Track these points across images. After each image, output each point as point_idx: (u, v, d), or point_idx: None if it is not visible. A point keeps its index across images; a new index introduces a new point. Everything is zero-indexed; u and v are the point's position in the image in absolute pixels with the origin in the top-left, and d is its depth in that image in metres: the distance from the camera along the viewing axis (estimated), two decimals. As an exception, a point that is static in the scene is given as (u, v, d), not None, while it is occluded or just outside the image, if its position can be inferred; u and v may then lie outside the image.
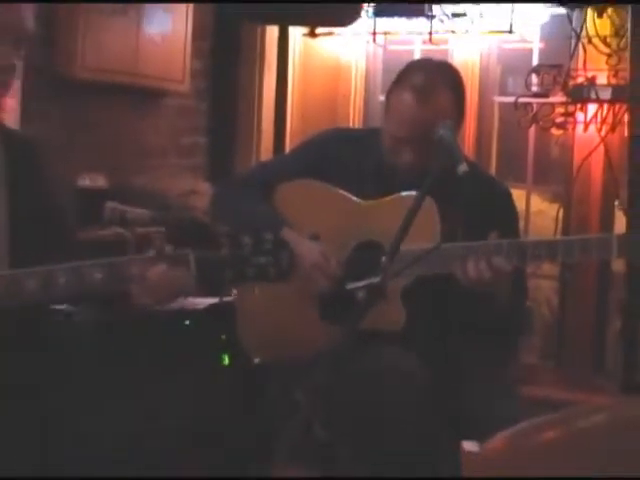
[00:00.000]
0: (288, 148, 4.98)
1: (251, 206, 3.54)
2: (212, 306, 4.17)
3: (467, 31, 5.67)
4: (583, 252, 3.28)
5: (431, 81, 3.44)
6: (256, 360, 3.65)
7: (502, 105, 5.85)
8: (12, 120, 4.64)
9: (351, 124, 6.15)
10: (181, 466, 3.74)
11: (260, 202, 3.54)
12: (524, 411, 3.18)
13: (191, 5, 5.83)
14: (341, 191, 3.54)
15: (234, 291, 3.79)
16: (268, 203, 3.54)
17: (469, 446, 1.39)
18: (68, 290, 2.65)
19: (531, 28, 5.70)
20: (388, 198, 3.45)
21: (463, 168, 3.11)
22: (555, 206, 5.68)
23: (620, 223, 5.16)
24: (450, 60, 5.49)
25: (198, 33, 5.98)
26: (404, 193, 3.38)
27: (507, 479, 1.42)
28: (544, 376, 5.61)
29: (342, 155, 3.61)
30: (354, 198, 3.53)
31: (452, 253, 3.21)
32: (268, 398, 3.86)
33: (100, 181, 5.22)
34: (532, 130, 5.66)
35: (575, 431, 1.51)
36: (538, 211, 5.75)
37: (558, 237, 4.67)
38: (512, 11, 5.54)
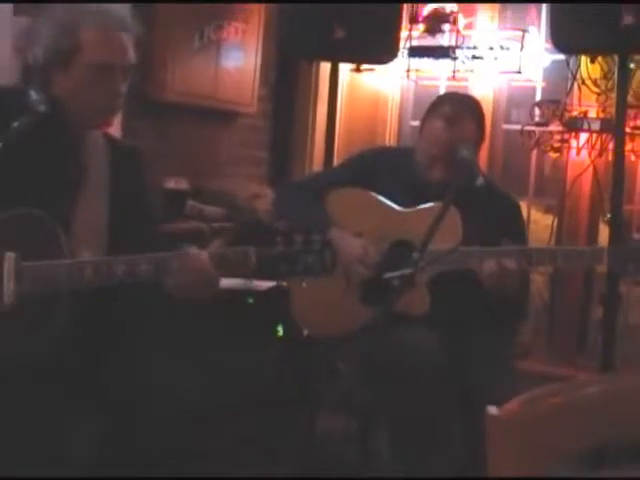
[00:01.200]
0: (335, 161, 4.95)
1: (305, 207, 3.53)
2: (271, 287, 4.17)
3: (484, 71, 5.65)
4: (579, 260, 3.34)
5: (457, 111, 3.45)
6: (305, 332, 3.65)
7: (509, 132, 5.82)
8: (114, 132, 4.65)
9: (387, 143, 6.13)
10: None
11: (313, 204, 3.53)
12: (519, 382, 3.19)
13: (260, 43, 5.83)
14: (381, 198, 3.53)
15: (284, 283, 3.78)
16: (319, 206, 3.53)
17: (490, 410, 1.40)
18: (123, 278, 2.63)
19: (536, 70, 5.67)
20: (420, 207, 3.45)
21: (480, 181, 3.15)
22: (548, 216, 5.68)
23: (604, 233, 5.14)
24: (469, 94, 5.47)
25: (265, 66, 5.98)
26: (432, 204, 3.37)
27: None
28: (535, 353, 5.58)
29: (383, 168, 3.60)
30: (392, 205, 3.52)
31: (470, 254, 3.21)
32: (314, 364, 3.87)
33: (183, 184, 5.22)
34: (534, 153, 5.63)
35: (576, 398, 1.53)
36: (534, 220, 5.72)
37: (559, 247, 4.65)
38: (521, 57, 5.54)
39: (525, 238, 3.63)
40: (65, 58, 2.70)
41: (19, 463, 2.52)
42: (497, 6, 5.86)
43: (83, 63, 2.70)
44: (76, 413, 2.67)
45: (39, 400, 2.56)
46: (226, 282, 4.03)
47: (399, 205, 3.51)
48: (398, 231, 3.44)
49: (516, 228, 3.54)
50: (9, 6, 4.54)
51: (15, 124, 2.54)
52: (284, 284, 3.85)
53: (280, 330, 4.25)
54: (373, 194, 3.55)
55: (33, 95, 2.64)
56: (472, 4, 5.88)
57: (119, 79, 2.76)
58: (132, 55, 2.78)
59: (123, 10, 2.79)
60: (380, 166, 3.62)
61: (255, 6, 5.81)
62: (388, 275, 3.02)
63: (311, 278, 3.27)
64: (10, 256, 2.53)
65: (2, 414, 2.51)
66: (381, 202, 3.53)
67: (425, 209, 3.40)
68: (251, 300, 4.21)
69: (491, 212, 3.38)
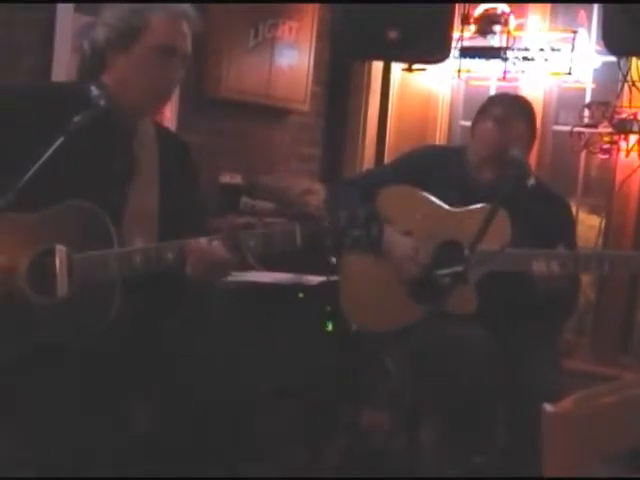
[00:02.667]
0: (386, 160, 4.95)
1: (357, 203, 3.50)
2: (321, 283, 4.16)
3: (534, 72, 5.61)
4: (626, 265, 3.34)
5: (509, 111, 3.43)
6: (354, 328, 3.65)
7: (558, 133, 5.77)
8: (170, 127, 4.68)
9: (437, 143, 6.10)
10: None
11: (364, 201, 3.50)
12: (565, 380, 3.17)
13: (313, 43, 5.83)
14: (431, 197, 3.52)
15: (333, 260, 3.76)
16: (370, 203, 3.51)
17: (546, 407, 1.39)
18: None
19: (586, 71, 5.62)
20: (470, 207, 3.43)
21: (531, 182, 3.12)
22: (593, 217, 5.63)
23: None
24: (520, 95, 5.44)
25: (318, 65, 5.97)
26: (482, 204, 3.36)
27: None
28: (580, 352, 5.55)
29: (433, 167, 3.58)
30: (442, 204, 3.50)
31: (519, 255, 3.20)
32: (362, 359, 3.87)
33: (237, 179, 5.24)
34: (582, 154, 5.59)
35: (626, 397, 1.52)
36: (580, 220, 5.67)
37: (606, 251, 4.59)
38: (571, 59, 5.49)
39: (574, 236, 3.61)
40: (130, 38, 2.72)
41: (76, 446, 2.54)
42: (548, 7, 5.81)
43: (147, 44, 2.72)
44: (130, 398, 2.69)
45: (94, 385, 2.58)
46: (277, 277, 4.06)
47: (449, 204, 3.50)
48: (447, 230, 3.43)
49: (566, 228, 3.52)
50: (71, 5, 4.57)
51: (76, 118, 2.55)
52: (334, 278, 3.84)
53: (329, 325, 4.24)
54: (423, 193, 3.54)
55: (93, 90, 2.66)
56: (523, 5, 5.84)
57: (178, 65, 2.78)
58: (189, 46, 2.80)
59: (186, 4, 2.83)
60: (430, 165, 3.61)
61: (309, 5, 5.81)
62: (439, 273, 3.01)
63: (365, 267, 3.30)
64: (61, 249, 2.54)
65: (60, 398, 2.53)
66: (431, 201, 3.52)
67: (475, 209, 3.38)
68: (301, 295, 4.21)
69: (541, 212, 3.36)
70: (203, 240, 2.64)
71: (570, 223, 3.65)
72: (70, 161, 2.58)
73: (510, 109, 3.48)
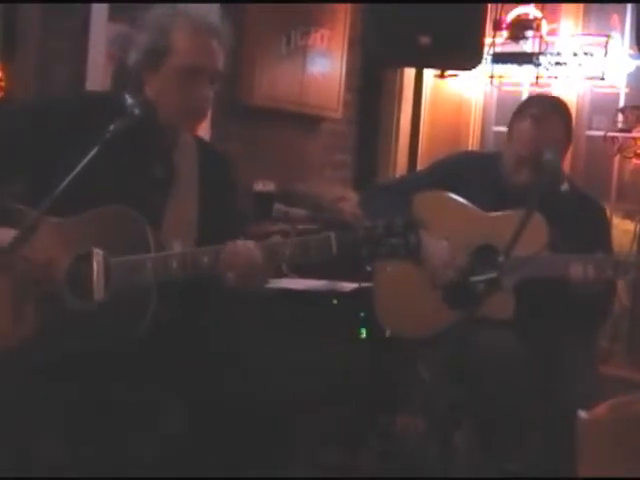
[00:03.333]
0: (419, 166, 4.95)
1: (392, 209, 3.47)
2: (355, 289, 4.16)
3: (567, 77, 5.59)
4: None
5: (545, 111, 3.42)
6: (388, 334, 3.64)
7: (591, 138, 5.74)
8: (204, 137, 4.69)
9: (470, 148, 6.09)
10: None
11: (399, 206, 3.45)
12: (600, 386, 3.15)
13: (345, 50, 5.84)
14: (467, 203, 3.51)
15: (368, 268, 3.75)
16: (406, 208, 3.46)
17: (581, 414, 1.39)
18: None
19: (619, 76, 5.60)
20: (506, 212, 3.41)
21: (565, 187, 3.12)
22: (628, 221, 5.60)
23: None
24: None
25: (350, 72, 5.97)
26: (517, 209, 3.26)
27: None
28: (615, 358, 5.51)
29: (468, 173, 3.57)
30: (477, 209, 3.49)
31: (555, 261, 3.19)
32: (396, 365, 3.86)
33: (270, 186, 5.25)
34: (616, 159, 5.57)
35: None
36: (614, 225, 5.64)
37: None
38: (604, 63, 5.47)
39: (610, 240, 3.58)
40: (157, 60, 2.75)
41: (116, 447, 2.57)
42: (580, 12, 5.79)
43: (172, 66, 2.74)
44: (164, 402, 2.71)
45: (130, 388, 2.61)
46: (310, 283, 4.06)
47: (484, 210, 3.48)
48: (483, 236, 3.40)
49: (602, 233, 3.51)
50: (104, 13, 4.61)
51: (112, 127, 2.57)
52: (368, 285, 3.84)
53: (363, 332, 4.24)
54: (459, 198, 3.53)
55: (128, 99, 2.68)
56: (556, 10, 5.83)
57: (206, 83, 2.79)
58: (221, 62, 2.81)
59: (216, 17, 2.83)
60: (465, 170, 3.60)
61: (341, 13, 5.82)
62: (474, 279, 2.99)
63: (399, 273, 3.29)
64: (98, 253, 2.57)
65: (98, 399, 2.55)
66: (467, 206, 3.51)
67: (511, 214, 3.35)
68: (335, 301, 4.21)
69: (576, 216, 3.34)
70: (240, 242, 2.65)
71: (606, 227, 3.63)
72: (110, 167, 2.61)
73: (547, 108, 3.46)
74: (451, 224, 3.46)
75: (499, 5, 5.66)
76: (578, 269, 3.14)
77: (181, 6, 2.84)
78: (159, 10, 2.83)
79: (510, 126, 3.52)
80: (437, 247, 3.35)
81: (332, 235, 2.66)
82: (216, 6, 4.99)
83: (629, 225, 5.53)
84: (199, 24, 2.77)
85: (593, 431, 1.39)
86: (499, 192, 3.48)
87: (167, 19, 2.77)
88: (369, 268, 3.68)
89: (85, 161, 2.48)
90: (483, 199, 3.49)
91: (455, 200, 3.53)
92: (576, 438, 1.39)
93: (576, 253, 3.24)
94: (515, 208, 3.31)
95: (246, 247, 2.64)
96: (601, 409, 1.39)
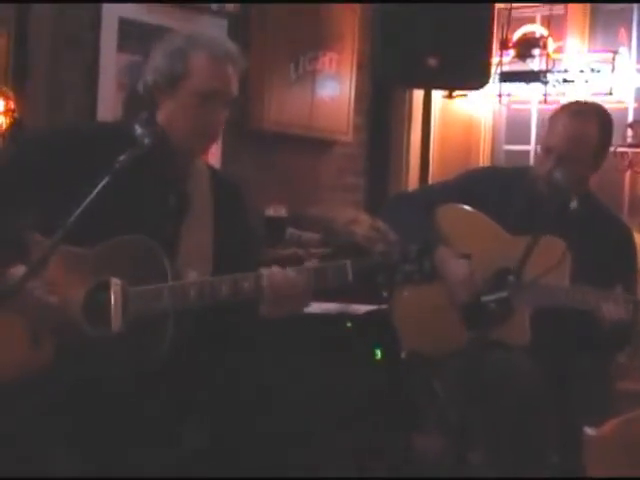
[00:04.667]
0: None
1: (413, 218, 3.44)
2: (369, 311, 4.17)
3: (575, 94, 5.60)
4: None
5: (584, 109, 3.41)
6: (403, 355, 3.63)
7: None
8: (215, 162, 4.73)
9: (481, 167, 6.10)
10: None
11: (422, 218, 3.44)
12: (618, 403, 3.13)
13: (354, 73, 5.87)
14: (492, 222, 3.44)
15: (384, 294, 3.74)
16: (429, 219, 3.44)
17: (587, 431, 1.39)
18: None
19: (627, 91, 5.61)
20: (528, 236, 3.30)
21: (574, 205, 3.08)
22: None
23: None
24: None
25: (359, 95, 6.00)
26: (542, 235, 3.09)
27: None
28: (634, 374, 5.49)
29: (494, 189, 3.52)
30: (502, 230, 3.42)
31: (577, 292, 3.17)
32: (411, 386, 3.85)
33: (282, 211, 5.27)
34: (627, 174, 5.57)
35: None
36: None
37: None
38: (612, 79, 5.49)
39: (635, 267, 3.52)
40: (173, 83, 2.78)
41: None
42: (586, 29, 5.82)
43: (188, 89, 2.77)
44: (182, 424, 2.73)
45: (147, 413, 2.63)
46: (325, 306, 4.07)
47: (511, 226, 3.40)
48: (506, 257, 3.22)
49: (624, 255, 3.46)
50: (114, 44, 4.65)
51: (122, 157, 2.60)
52: (382, 307, 3.84)
53: (378, 353, 4.25)
54: (483, 215, 3.46)
55: (138, 129, 2.71)
56: (562, 28, 5.86)
57: (220, 108, 2.82)
58: (235, 87, 2.84)
59: (231, 44, 2.87)
60: (491, 186, 3.54)
61: (348, 36, 5.85)
62: (485, 298, 2.97)
63: (417, 293, 3.29)
64: (116, 282, 2.59)
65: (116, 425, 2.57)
66: (492, 225, 3.44)
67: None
68: (349, 324, 4.22)
69: (593, 236, 3.30)
70: (275, 268, 2.67)
71: (629, 249, 3.54)
72: (125, 197, 2.63)
73: (585, 107, 3.45)
74: (474, 242, 3.40)
75: (505, 24, 5.68)
76: (601, 305, 3.11)
77: (198, 33, 2.89)
78: (175, 36, 2.87)
79: (547, 129, 3.43)
80: (457, 265, 3.32)
81: (348, 263, 2.68)
82: (224, 25, 5.08)
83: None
84: (216, 49, 2.81)
85: (600, 448, 1.40)
86: (526, 208, 3.40)
87: (184, 44, 2.81)
88: (385, 293, 3.67)
89: (95, 192, 2.49)
90: (509, 215, 3.43)
91: (481, 218, 3.47)
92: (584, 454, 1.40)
93: (592, 274, 3.20)
94: (541, 224, 3.14)
95: (283, 273, 2.66)
96: (608, 426, 1.40)
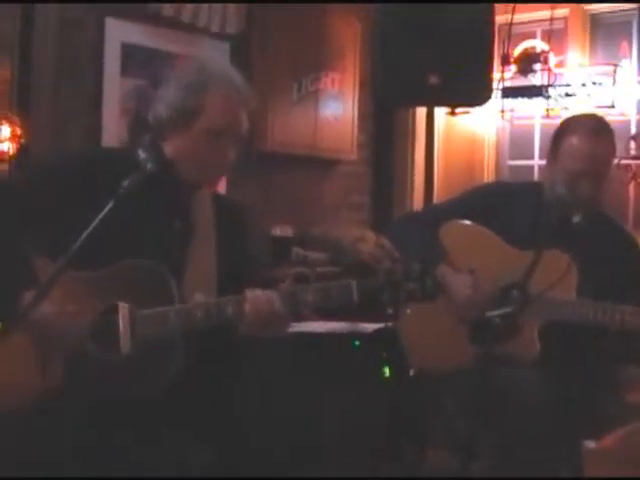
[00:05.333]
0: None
1: (418, 238, 3.45)
2: (377, 330, 4.17)
3: (577, 108, 5.61)
4: None
5: (597, 124, 3.38)
6: (412, 372, 3.63)
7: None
8: (220, 185, 4.75)
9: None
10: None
11: (426, 236, 3.44)
12: (628, 414, 3.11)
13: (357, 92, 5.90)
14: (498, 238, 3.41)
15: (389, 311, 3.74)
16: (433, 237, 3.42)
17: (587, 444, 1.39)
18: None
19: (629, 103, 5.62)
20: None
21: (577, 219, 3.07)
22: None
23: None
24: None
25: (362, 114, 6.03)
26: (551, 250, 3.10)
27: None
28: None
29: (504, 203, 3.51)
30: (508, 246, 3.39)
31: (584, 306, 3.15)
32: (420, 402, 3.85)
33: (288, 231, 5.28)
34: (631, 186, 5.57)
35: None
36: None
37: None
38: (613, 92, 5.51)
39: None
40: (186, 119, 2.80)
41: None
42: (587, 42, 5.84)
43: (201, 126, 2.79)
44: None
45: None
46: (332, 326, 4.08)
47: (517, 241, 3.37)
48: (511, 272, 3.18)
49: (632, 268, 3.40)
50: (117, 69, 4.68)
51: (125, 182, 2.61)
52: (389, 324, 3.85)
53: (387, 371, 4.25)
54: (490, 232, 3.44)
55: (141, 154, 2.72)
56: (563, 42, 5.88)
57: (230, 145, 2.84)
58: (246, 126, 2.87)
59: (244, 81, 2.88)
60: (497, 201, 3.53)
61: (350, 56, 5.88)
62: (489, 314, 2.95)
63: (424, 311, 3.29)
64: (124, 306, 2.61)
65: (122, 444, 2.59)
66: (497, 240, 3.42)
67: (544, 255, 3.08)
68: (357, 343, 4.22)
69: (599, 249, 3.30)
70: (258, 291, 2.69)
71: (637, 263, 3.47)
72: (131, 222, 2.66)
73: (596, 122, 3.41)
74: (479, 257, 3.39)
75: (506, 40, 5.69)
76: (607, 317, 3.09)
77: (212, 68, 2.89)
78: (189, 70, 2.89)
79: (555, 147, 3.39)
80: (461, 282, 3.32)
81: (353, 282, 2.72)
82: (226, 48, 5.10)
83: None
84: (230, 88, 2.83)
85: (600, 461, 1.40)
86: (532, 223, 3.38)
87: (199, 80, 2.82)
88: (390, 311, 3.66)
89: (100, 217, 2.51)
90: (515, 230, 3.41)
91: (487, 233, 3.45)
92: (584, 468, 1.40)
93: (601, 287, 3.17)
94: (550, 238, 3.14)
95: (266, 296, 2.68)
96: (608, 439, 1.40)
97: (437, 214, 3.60)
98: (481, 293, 3.28)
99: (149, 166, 2.68)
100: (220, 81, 2.84)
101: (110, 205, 2.55)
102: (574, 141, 3.34)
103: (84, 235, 2.48)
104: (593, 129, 3.37)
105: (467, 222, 3.50)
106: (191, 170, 2.83)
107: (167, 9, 4.80)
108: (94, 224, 2.51)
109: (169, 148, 2.84)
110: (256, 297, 2.67)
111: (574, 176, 3.30)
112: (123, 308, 2.61)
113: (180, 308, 2.66)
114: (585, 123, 3.43)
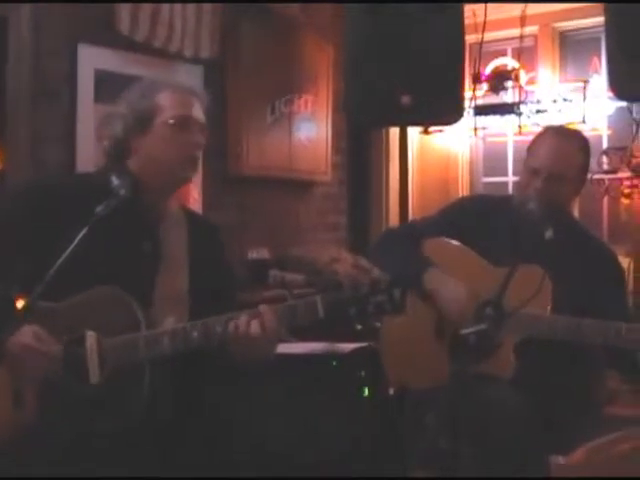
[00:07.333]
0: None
1: (400, 254, 3.48)
2: (354, 349, 4.17)
3: (549, 124, 5.64)
4: None
5: (565, 129, 3.50)
6: (391, 392, 3.62)
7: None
8: (197, 209, 4.75)
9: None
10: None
11: (409, 250, 3.47)
12: (607, 427, 3.11)
13: (330, 113, 5.92)
14: (476, 255, 3.42)
15: (359, 327, 3.73)
16: (416, 252, 3.45)
17: (555, 459, 1.40)
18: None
19: (600, 118, 5.67)
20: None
21: (549, 234, 3.07)
22: (624, 259, 5.61)
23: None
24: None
25: (336, 135, 6.05)
26: (526, 265, 3.04)
27: None
28: (624, 398, 5.49)
29: (477, 219, 3.52)
30: (486, 262, 3.39)
31: (560, 323, 3.12)
32: (400, 420, 3.84)
33: (264, 253, 5.29)
34: (605, 200, 5.61)
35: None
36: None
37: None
38: (584, 107, 5.56)
39: (624, 294, 3.48)
40: (145, 120, 2.81)
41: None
42: (557, 59, 5.88)
43: (161, 121, 2.81)
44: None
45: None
46: (309, 347, 4.07)
47: (494, 257, 3.36)
48: (488, 289, 3.11)
49: (609, 281, 3.39)
50: (90, 95, 4.68)
51: (99, 208, 2.62)
52: (369, 344, 3.84)
53: (366, 391, 4.24)
54: (467, 248, 3.45)
55: (114, 180, 2.73)
56: (533, 59, 5.92)
57: (195, 132, 2.85)
58: (203, 116, 2.89)
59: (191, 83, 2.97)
60: (475, 216, 3.55)
61: (323, 77, 5.90)
62: (464, 331, 2.95)
63: (391, 320, 3.28)
64: (91, 334, 2.58)
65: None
66: (474, 257, 3.43)
67: (519, 270, 3.03)
68: (335, 363, 4.22)
69: (587, 266, 3.30)
70: (244, 317, 2.66)
71: (615, 275, 3.47)
72: (98, 249, 2.65)
73: (565, 129, 3.52)
74: (455, 274, 3.39)
75: (477, 58, 5.73)
76: (580, 334, 3.06)
77: (158, 78, 3.01)
78: (138, 85, 2.92)
79: (529, 152, 3.43)
80: (451, 285, 3.33)
81: (318, 298, 2.69)
82: (200, 72, 5.12)
83: (624, 263, 5.54)
84: (180, 86, 2.91)
85: (569, 476, 1.41)
86: (507, 238, 3.37)
87: (149, 86, 2.88)
88: (359, 327, 3.66)
89: (73, 245, 2.52)
90: (492, 245, 3.41)
91: (461, 249, 3.47)
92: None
93: (579, 301, 3.17)
94: (525, 254, 3.07)
95: (251, 320, 2.66)
96: (578, 454, 1.41)
97: (418, 230, 3.62)
98: (473, 299, 3.27)
99: (122, 192, 2.69)
100: (170, 83, 2.91)
101: (83, 232, 2.55)
102: (538, 140, 3.41)
103: (56, 266, 2.48)
104: (559, 130, 3.47)
105: (445, 239, 3.51)
106: (160, 175, 2.83)
107: (140, 34, 4.80)
108: (67, 252, 2.51)
109: (134, 162, 2.84)
110: (239, 321, 2.66)
111: (537, 174, 3.32)
112: (90, 336, 2.59)
113: (147, 335, 2.63)
114: (554, 127, 3.50)
